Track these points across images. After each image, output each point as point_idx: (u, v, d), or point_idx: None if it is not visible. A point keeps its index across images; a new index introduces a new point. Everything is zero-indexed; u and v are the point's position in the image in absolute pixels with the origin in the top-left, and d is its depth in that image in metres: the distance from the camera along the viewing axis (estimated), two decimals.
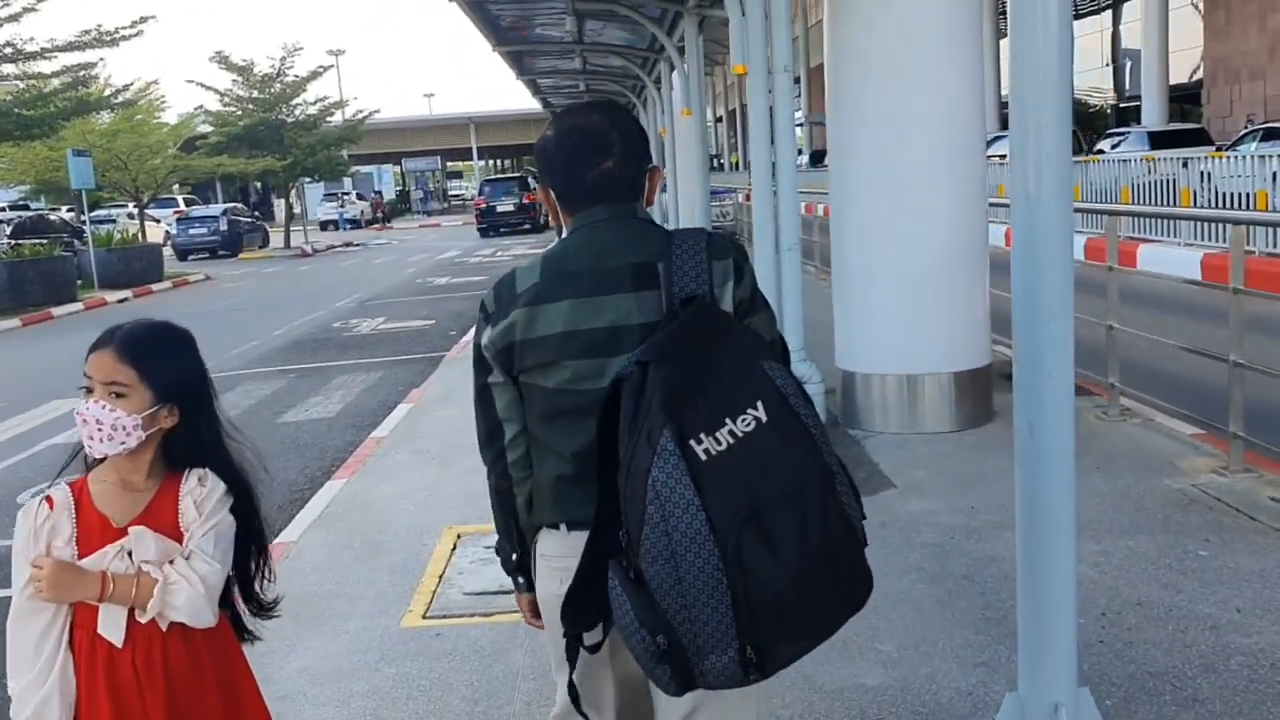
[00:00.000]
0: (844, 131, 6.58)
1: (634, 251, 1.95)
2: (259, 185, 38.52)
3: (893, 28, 6.19)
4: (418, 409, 8.38)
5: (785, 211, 6.73)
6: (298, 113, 34.47)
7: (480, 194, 37.18)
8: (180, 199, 47.38)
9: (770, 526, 1.65)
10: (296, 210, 38.79)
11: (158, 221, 37.84)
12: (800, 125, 61.56)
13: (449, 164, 72.92)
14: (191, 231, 33.59)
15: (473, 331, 2.11)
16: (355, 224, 48.79)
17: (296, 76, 34.03)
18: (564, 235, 2.06)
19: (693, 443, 1.67)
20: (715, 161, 50.35)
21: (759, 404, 1.72)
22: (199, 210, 36.03)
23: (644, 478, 1.66)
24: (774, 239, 6.83)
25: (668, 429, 1.67)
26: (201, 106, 34.23)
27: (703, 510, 1.63)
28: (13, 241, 21.65)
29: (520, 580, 2.18)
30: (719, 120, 63.73)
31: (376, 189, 50.27)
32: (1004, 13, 29.38)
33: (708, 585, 1.62)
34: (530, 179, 38.63)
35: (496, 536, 2.20)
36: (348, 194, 50.58)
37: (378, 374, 10.74)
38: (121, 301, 21.52)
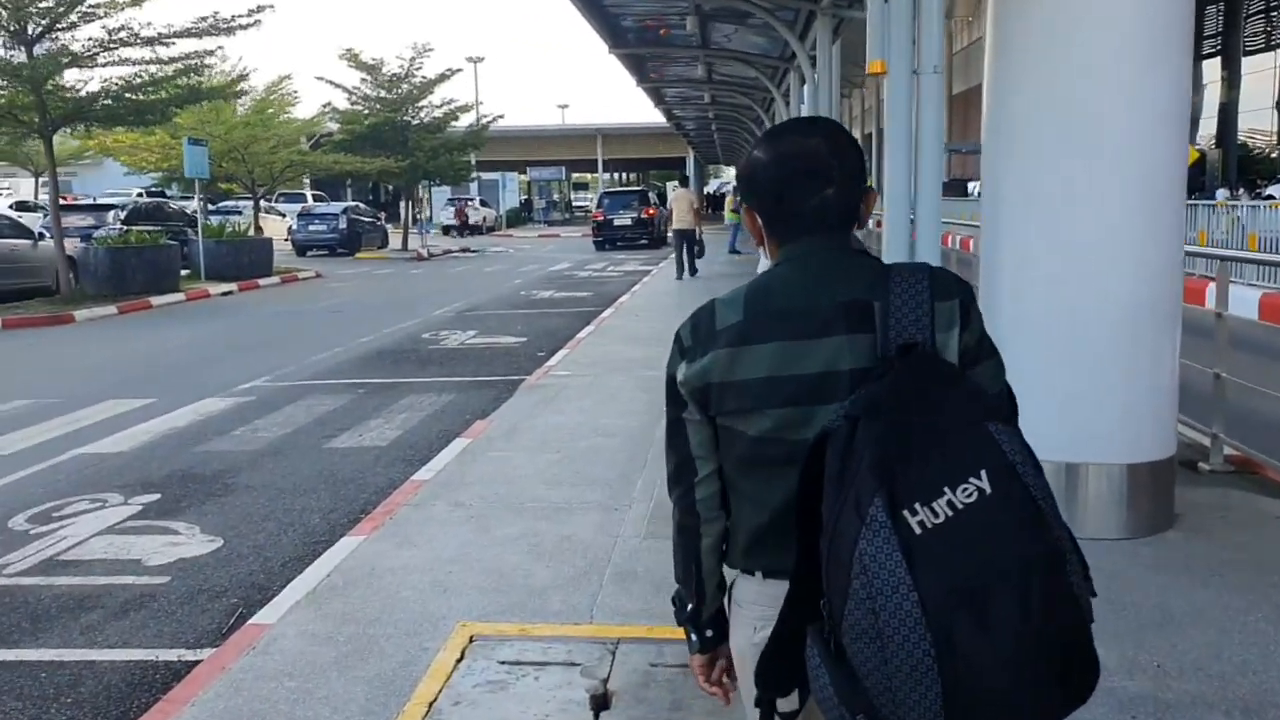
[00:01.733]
0: (1002, 152, 5.23)
1: (848, 288, 1.75)
2: (390, 187, 38.34)
3: (1086, 26, 4.84)
4: (475, 446, 7.29)
5: (923, 242, 5.41)
6: (423, 115, 34.14)
7: (599, 206, 36.23)
8: (309, 195, 48.00)
9: (988, 610, 1.45)
10: (422, 214, 38.68)
11: (283, 216, 38.16)
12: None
13: (575, 175, 72.85)
14: (311, 228, 33.55)
15: (666, 362, 1.90)
16: (478, 230, 48.60)
17: (425, 78, 33.75)
18: (771, 263, 1.87)
19: (906, 513, 1.48)
20: None
21: (982, 473, 1.51)
22: (320, 207, 35.94)
23: (850, 548, 1.49)
24: None
25: (879, 496, 1.48)
26: (330, 104, 34.18)
27: (914, 590, 1.44)
28: (124, 227, 21.47)
29: (694, 638, 1.98)
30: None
31: (468, 196, 49.84)
32: None
33: (916, 670, 1.44)
34: (650, 193, 37.65)
35: (675, 586, 2.00)
36: (471, 199, 50.43)
37: (449, 396, 9.72)
38: (226, 294, 21.18)
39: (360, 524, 5.67)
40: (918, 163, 5.50)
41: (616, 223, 34.65)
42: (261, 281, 23.14)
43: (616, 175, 71.58)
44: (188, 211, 25.67)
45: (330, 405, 9.44)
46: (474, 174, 44.15)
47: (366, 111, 33.65)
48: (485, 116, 36.91)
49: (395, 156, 32.95)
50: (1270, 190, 22.11)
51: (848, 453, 1.56)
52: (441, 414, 8.93)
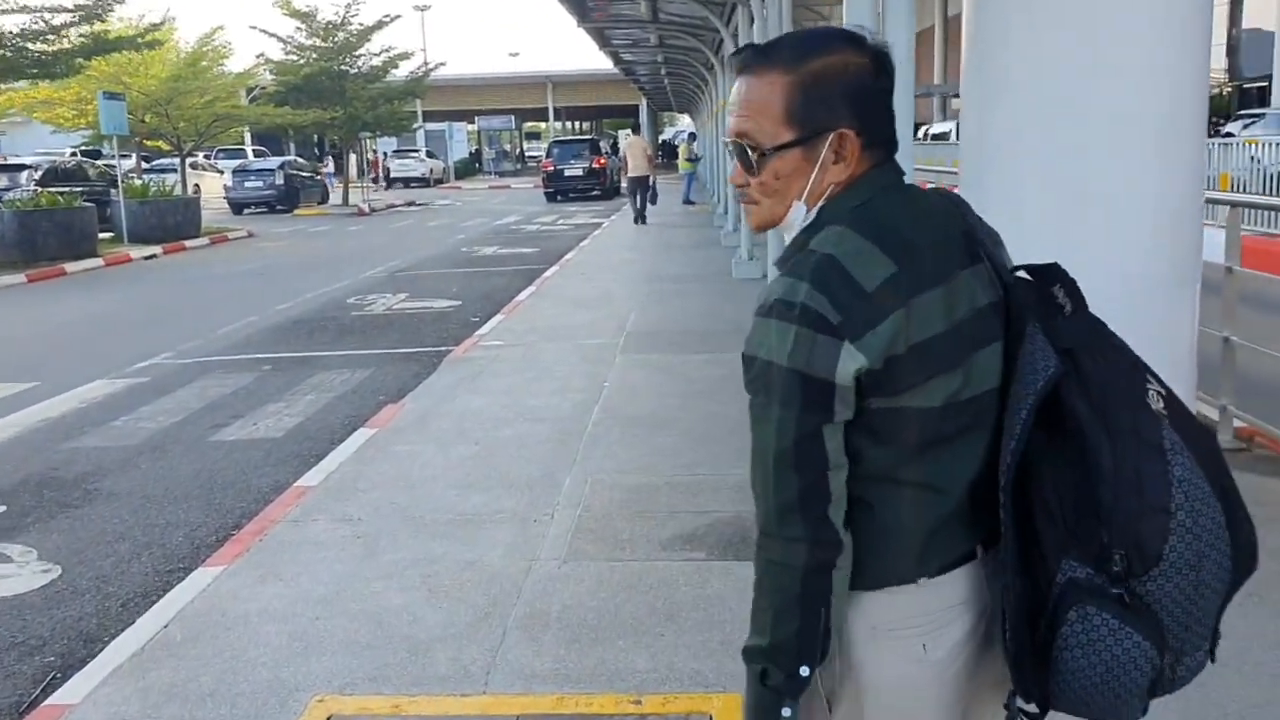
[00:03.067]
0: (990, 76, 4.29)
1: (951, 216, 1.56)
2: (335, 140, 36.75)
3: None
4: (380, 438, 6.33)
5: None
6: (361, 64, 32.62)
7: (548, 156, 34.92)
8: (250, 150, 46.17)
9: (1232, 505, 1.45)
10: (363, 168, 37.17)
11: (221, 173, 36.52)
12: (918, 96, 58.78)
13: (528, 125, 71.10)
14: (247, 185, 32.05)
15: (788, 357, 1.40)
16: (424, 182, 47.12)
17: (362, 25, 32.21)
18: (844, 196, 1.51)
19: (1164, 432, 1.43)
20: None
21: (1148, 378, 1.48)
22: (257, 163, 34.38)
23: (1163, 480, 1.40)
24: None
25: (1165, 424, 1.43)
26: (263, 54, 32.57)
27: (1218, 499, 1.43)
28: (38, 189, 20.07)
29: (789, 712, 1.46)
30: None
31: (413, 148, 48.32)
32: None
33: (1220, 580, 1.43)
34: (600, 143, 36.40)
35: (767, 648, 1.47)
36: (415, 151, 48.87)
37: (365, 373, 8.72)
38: (149, 258, 19.89)
39: (224, 547, 4.71)
40: None
41: (567, 173, 33.42)
42: (189, 243, 21.81)
43: (569, 124, 69.82)
44: (107, 171, 24.14)
45: (229, 386, 8.43)
46: (418, 124, 42.65)
47: (302, 61, 32.10)
48: (426, 64, 35.25)
49: (332, 108, 31.47)
50: (1229, 128, 21.39)
51: (1086, 389, 1.44)
52: (351, 396, 7.94)
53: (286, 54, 32.50)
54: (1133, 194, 3.96)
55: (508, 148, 59.80)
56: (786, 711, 1.47)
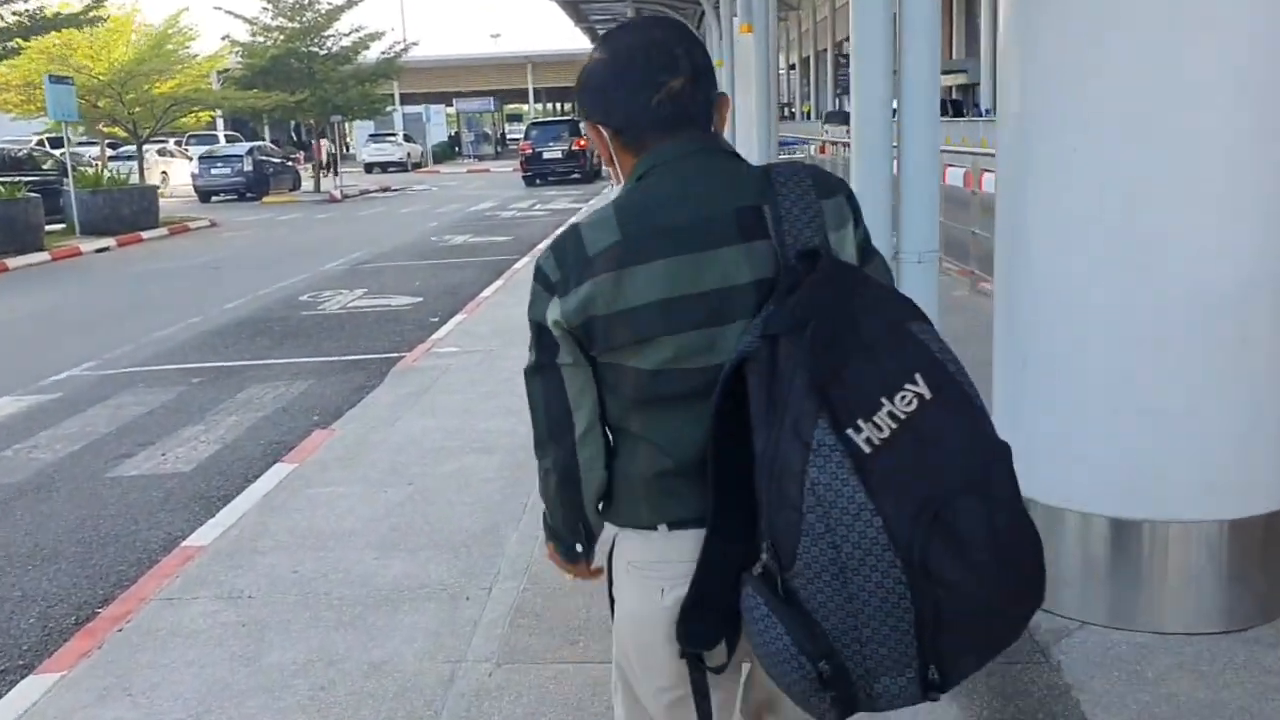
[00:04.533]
0: (1038, 59, 3.34)
1: (735, 192, 1.57)
2: (311, 124, 35.52)
3: None
4: (299, 475, 5.37)
5: (914, 192, 3.54)
6: (330, 44, 31.45)
7: (526, 138, 33.76)
8: (222, 136, 44.85)
9: (956, 525, 1.38)
10: (340, 151, 35.94)
11: (191, 160, 35.28)
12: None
13: (509, 107, 69.74)
14: (214, 172, 30.77)
15: (527, 308, 1.63)
16: (402, 167, 45.93)
17: (331, 4, 31.02)
18: (626, 182, 1.64)
19: (850, 432, 1.38)
20: (784, 110, 46.61)
21: (917, 377, 1.42)
22: (224, 149, 33.09)
23: (798, 480, 1.38)
24: (890, 235, 3.67)
25: (821, 418, 1.38)
26: (229, 36, 31.33)
27: (877, 515, 1.36)
28: None
29: (580, 548, 1.75)
30: (791, 68, 60.00)
31: (389, 132, 47.16)
32: None
33: (886, 603, 1.37)
34: (581, 124, 35.32)
35: (547, 526, 1.79)
36: (393, 135, 47.63)
37: (301, 386, 7.75)
38: (101, 251, 18.81)
39: (71, 641, 3.75)
40: (902, 68, 3.60)
41: (546, 156, 32.29)
42: (146, 234, 20.71)
43: (552, 105, 68.51)
44: (59, 159, 22.90)
45: (147, 405, 7.45)
46: (392, 107, 41.48)
47: (269, 43, 30.91)
48: (398, 43, 34.01)
49: (300, 91, 30.30)
50: None
51: (773, 375, 1.44)
52: (282, 416, 6.97)
53: (253, 35, 31.33)
54: (1235, 199, 3.06)
55: (489, 130, 58.52)
56: (578, 548, 1.76)
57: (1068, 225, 3.27)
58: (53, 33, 18.39)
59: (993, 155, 4.35)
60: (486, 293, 11.22)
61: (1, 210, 17.10)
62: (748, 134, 12.86)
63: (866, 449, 1.37)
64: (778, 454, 1.40)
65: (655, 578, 1.63)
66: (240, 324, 10.56)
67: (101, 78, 22.11)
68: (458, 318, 9.81)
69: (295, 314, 11.00)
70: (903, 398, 1.40)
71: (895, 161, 3.60)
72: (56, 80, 19.34)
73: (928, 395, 1.41)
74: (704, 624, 1.57)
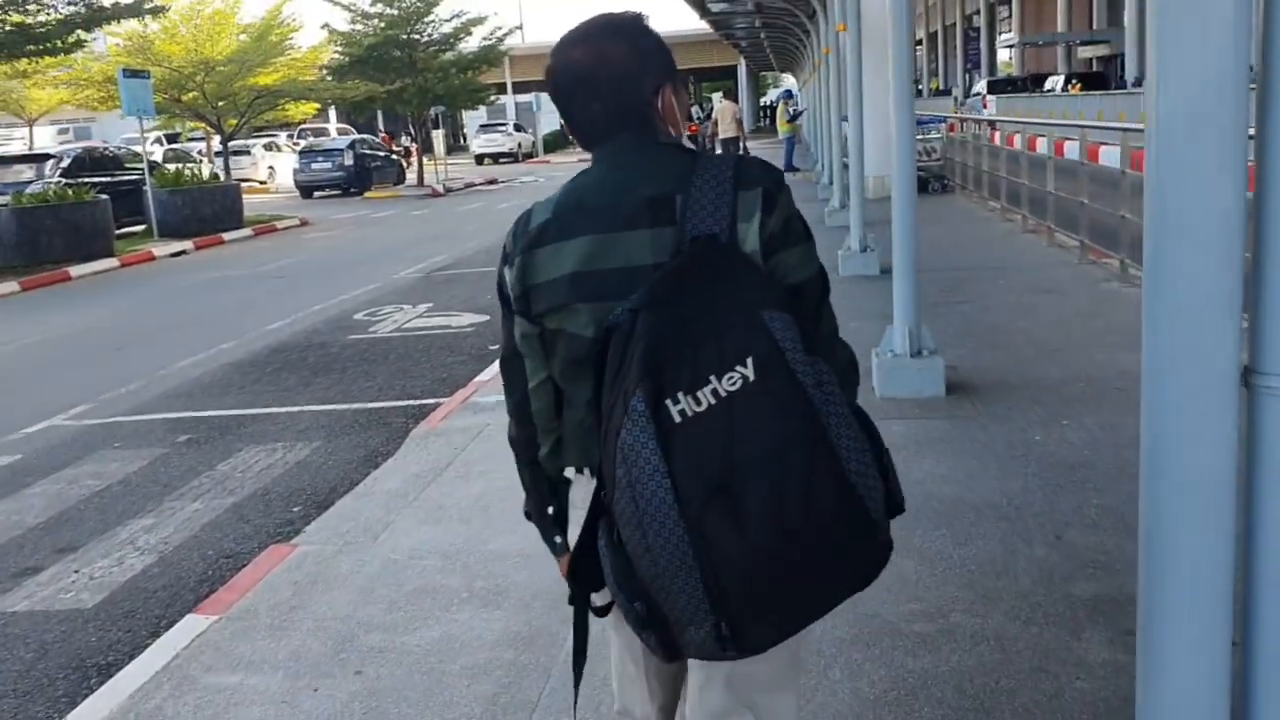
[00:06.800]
0: None
1: (653, 183, 1.73)
2: (412, 115, 34.39)
3: None
4: (206, 646, 3.58)
5: None
6: (430, 31, 30.07)
7: None
8: (333, 129, 44.21)
9: (740, 497, 1.49)
10: (451, 142, 34.68)
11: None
12: (1012, 46, 54.17)
13: None
14: (314, 167, 29.71)
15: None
16: (512, 158, 44.67)
17: None
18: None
19: (669, 403, 1.53)
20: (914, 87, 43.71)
21: (749, 360, 1.54)
22: (325, 143, 32.09)
23: (615, 438, 1.55)
24: (1239, 342, 1.65)
25: (641, 388, 1.54)
26: (327, 25, 30.24)
27: (668, 477, 1.50)
28: (63, 181, 17.97)
29: (558, 540, 1.93)
30: (918, 44, 56.96)
31: (500, 122, 45.82)
32: None
33: (674, 557, 1.50)
34: (692, 108, 33.30)
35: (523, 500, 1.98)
36: (503, 125, 46.41)
37: (305, 450, 6.03)
38: (176, 255, 17.68)
39: None
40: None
41: None
42: (228, 236, 19.54)
43: None
44: (140, 155, 21.79)
45: (106, 478, 5.82)
46: (494, 96, 40.09)
47: (369, 31, 29.71)
48: (499, 29, 32.43)
49: (401, 80, 29.03)
50: None
51: (626, 345, 1.58)
52: (253, 506, 5.23)
53: (352, 24, 30.19)
54: None
55: None
56: (557, 540, 1.93)
57: None
58: (123, 23, 17.22)
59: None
60: None
61: (67, 214, 15.99)
62: (881, 108, 10.80)
63: (677, 419, 1.51)
64: (611, 414, 1.57)
65: (580, 518, 1.77)
66: (275, 352, 8.97)
67: (184, 70, 21.01)
68: None
69: (340, 338, 9.35)
70: (730, 378, 1.51)
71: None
72: (131, 74, 18.25)
73: (752, 377, 1.52)
74: (588, 566, 1.68)
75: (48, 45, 15.34)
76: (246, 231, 20.20)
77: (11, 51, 15.33)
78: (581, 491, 1.83)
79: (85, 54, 19.67)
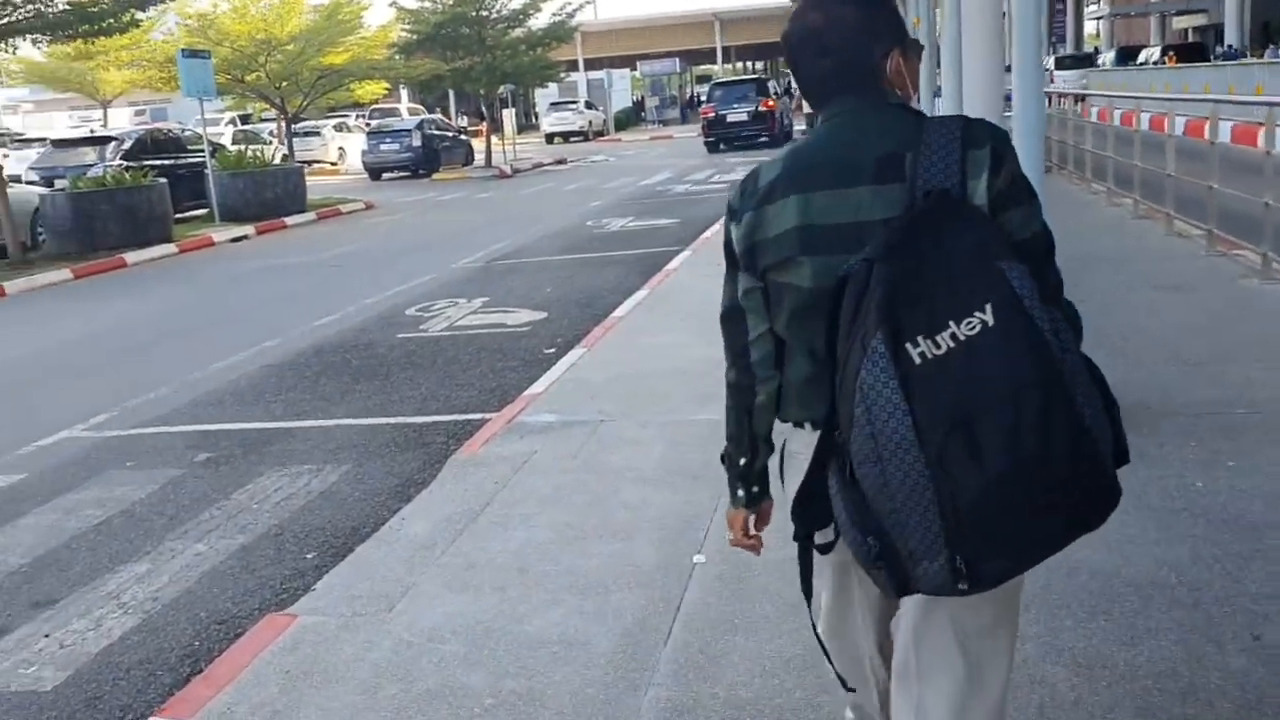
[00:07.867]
0: None
1: (881, 141, 1.78)
2: (481, 94, 33.78)
3: None
4: None
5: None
6: (499, 7, 29.32)
7: (708, 101, 30.82)
8: (404, 109, 43.74)
9: (979, 433, 1.53)
10: (523, 121, 33.95)
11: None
12: (1100, 18, 51.85)
13: (698, 68, 66.66)
14: (382, 148, 29.19)
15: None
16: (583, 136, 43.86)
17: None
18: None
19: (909, 345, 1.58)
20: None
21: (987, 306, 1.57)
22: (394, 124, 31.57)
23: (854, 378, 1.60)
24: None
25: (881, 330, 1.58)
26: (395, 3, 29.66)
27: (909, 415, 1.54)
28: (124, 164, 17.62)
29: (741, 493, 2.02)
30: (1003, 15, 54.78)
31: (570, 100, 45.00)
32: None
33: (914, 492, 1.55)
34: (769, 83, 32.16)
35: (727, 436, 2.03)
36: (574, 103, 45.59)
37: (335, 474, 5.32)
38: (237, 240, 17.23)
39: None
40: None
41: (730, 119, 29.36)
42: (290, 220, 19.05)
43: (742, 65, 65.06)
44: (265, 136, 21.25)
45: (108, 508, 5.16)
46: (564, 74, 39.24)
47: (437, 9, 29.08)
48: (570, 4, 31.52)
49: (470, 58, 28.36)
50: None
51: (862, 293, 1.62)
52: (262, 550, 4.50)
53: (421, 1, 29.58)
54: None
55: (675, 94, 55.76)
56: (740, 492, 2.02)
57: None
58: (193, 3, 16.69)
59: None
60: (622, 310, 8.57)
61: (122, 199, 15.57)
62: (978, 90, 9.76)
63: (917, 360, 1.56)
64: (849, 357, 1.61)
65: (801, 464, 1.83)
66: (318, 352, 8.30)
67: (247, 49, 20.53)
68: (575, 353, 7.20)
69: (389, 337, 8.66)
70: (968, 323, 1.56)
71: None
72: (191, 54, 17.81)
73: (991, 323, 1.55)
74: (812, 507, 1.77)
75: (102, 25, 14.87)
76: (309, 216, 19.71)
77: (66, 31, 14.90)
78: (801, 443, 1.90)
79: (149, 34, 19.24)
